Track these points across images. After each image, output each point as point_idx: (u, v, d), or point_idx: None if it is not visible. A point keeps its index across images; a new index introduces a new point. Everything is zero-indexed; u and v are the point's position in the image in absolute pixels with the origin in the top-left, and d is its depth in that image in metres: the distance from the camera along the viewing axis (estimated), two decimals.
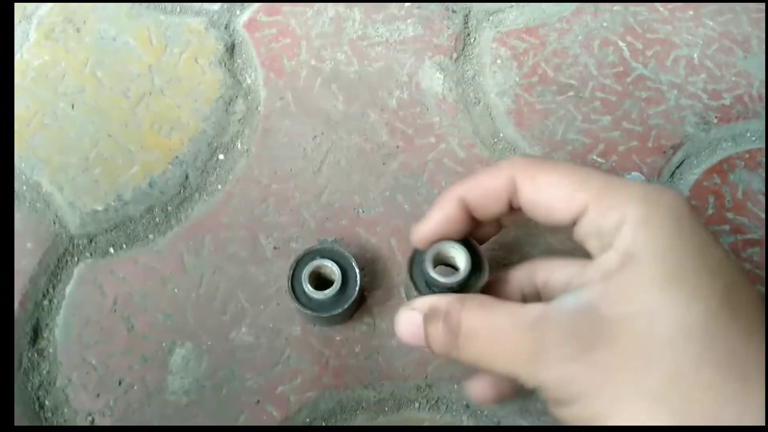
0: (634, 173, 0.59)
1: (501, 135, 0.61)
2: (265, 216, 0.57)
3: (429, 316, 0.39)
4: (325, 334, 0.53)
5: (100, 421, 0.50)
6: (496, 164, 0.41)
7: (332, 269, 0.50)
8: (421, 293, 0.43)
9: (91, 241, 0.56)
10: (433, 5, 0.67)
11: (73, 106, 0.60)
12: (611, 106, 0.62)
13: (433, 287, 0.43)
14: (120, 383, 0.51)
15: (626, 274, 0.33)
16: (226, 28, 0.66)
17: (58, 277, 0.54)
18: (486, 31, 0.66)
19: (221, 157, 0.59)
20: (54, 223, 0.56)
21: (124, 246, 0.56)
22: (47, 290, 0.54)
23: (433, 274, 0.41)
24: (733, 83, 0.63)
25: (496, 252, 0.55)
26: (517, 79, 0.63)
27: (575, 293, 0.35)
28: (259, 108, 0.62)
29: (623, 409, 0.31)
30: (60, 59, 0.63)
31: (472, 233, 0.44)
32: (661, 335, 0.31)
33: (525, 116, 0.62)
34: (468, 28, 0.67)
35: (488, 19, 0.67)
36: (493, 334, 0.36)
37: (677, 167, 0.60)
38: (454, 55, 0.65)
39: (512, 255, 0.55)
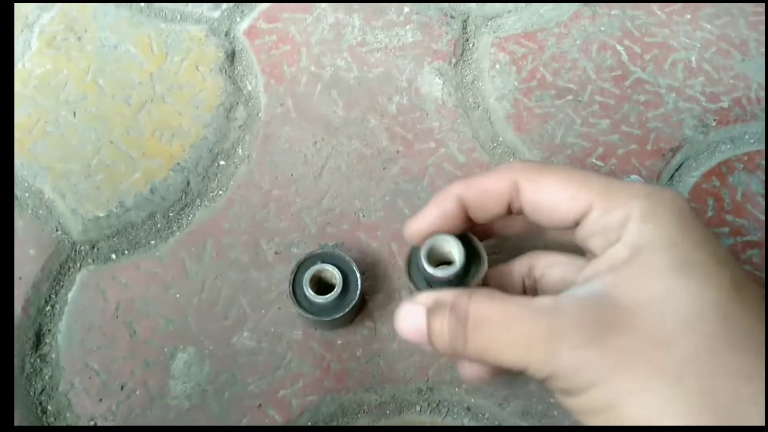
0: (633, 176, 0.59)
1: (500, 139, 0.62)
2: (266, 221, 0.57)
3: (433, 309, 0.37)
4: (326, 338, 0.53)
5: (102, 426, 0.50)
6: (497, 167, 0.41)
7: (333, 273, 0.50)
8: (420, 291, 0.43)
9: (93, 247, 0.56)
10: (431, 11, 0.67)
11: (75, 114, 0.61)
12: (610, 110, 0.62)
13: (431, 283, 0.43)
14: (122, 388, 0.51)
15: (636, 264, 0.33)
16: (226, 35, 0.66)
17: (61, 283, 0.55)
18: (484, 37, 0.67)
19: (222, 163, 0.60)
20: (56, 229, 0.56)
21: (126, 252, 0.56)
22: (50, 296, 0.54)
23: (428, 268, 0.40)
24: (731, 86, 0.64)
25: (499, 256, 0.55)
26: (516, 84, 0.64)
27: (585, 284, 0.35)
28: (259, 114, 0.62)
29: (639, 394, 0.31)
30: (62, 67, 0.63)
31: None
32: (676, 319, 0.31)
33: (524, 120, 0.62)
34: (467, 33, 0.67)
35: (487, 25, 0.68)
36: (505, 322, 0.35)
37: (676, 170, 0.60)
38: (453, 61, 0.65)
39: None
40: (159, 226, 0.57)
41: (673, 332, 0.31)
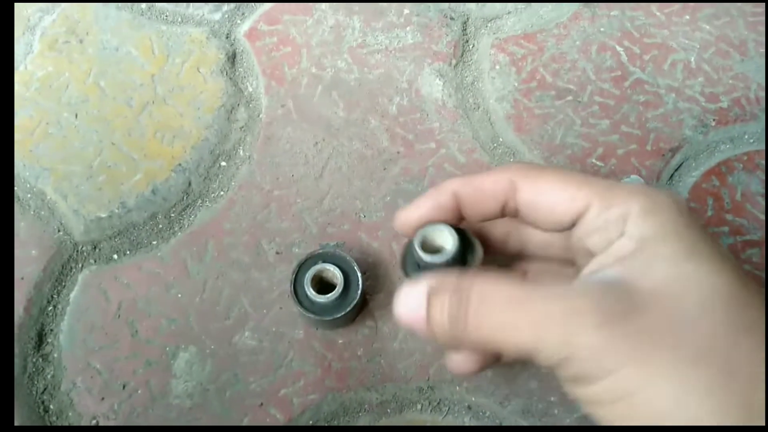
0: (633, 176, 0.59)
1: (500, 140, 0.62)
2: (267, 222, 0.57)
3: (435, 289, 0.35)
4: (327, 337, 0.53)
5: (104, 425, 0.50)
6: (495, 169, 0.40)
7: (334, 273, 0.50)
8: None
9: (95, 247, 0.56)
10: (431, 13, 0.67)
11: (76, 116, 0.61)
12: (610, 110, 0.63)
13: (425, 272, 0.41)
14: (124, 387, 0.51)
15: (645, 254, 0.33)
16: (227, 37, 0.66)
17: (63, 283, 0.55)
18: (484, 38, 0.67)
19: (223, 164, 0.60)
20: (58, 230, 0.56)
21: (128, 252, 0.56)
22: (52, 296, 0.54)
23: (422, 254, 0.39)
24: (730, 86, 0.64)
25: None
26: (516, 85, 0.64)
27: (594, 276, 0.34)
28: (260, 115, 0.62)
29: (661, 379, 0.30)
30: (63, 70, 0.64)
31: None
32: (692, 304, 0.31)
33: (524, 121, 0.62)
34: (466, 34, 0.67)
35: (486, 26, 0.68)
36: (514, 303, 0.33)
37: (676, 170, 0.60)
38: (453, 62, 0.65)
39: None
40: (160, 226, 0.57)
41: (690, 317, 0.31)
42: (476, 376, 0.52)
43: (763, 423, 0.29)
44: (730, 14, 0.68)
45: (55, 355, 0.52)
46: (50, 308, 0.54)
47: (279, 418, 0.51)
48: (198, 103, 0.62)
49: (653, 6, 0.68)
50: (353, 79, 0.64)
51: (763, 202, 0.58)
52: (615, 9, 0.68)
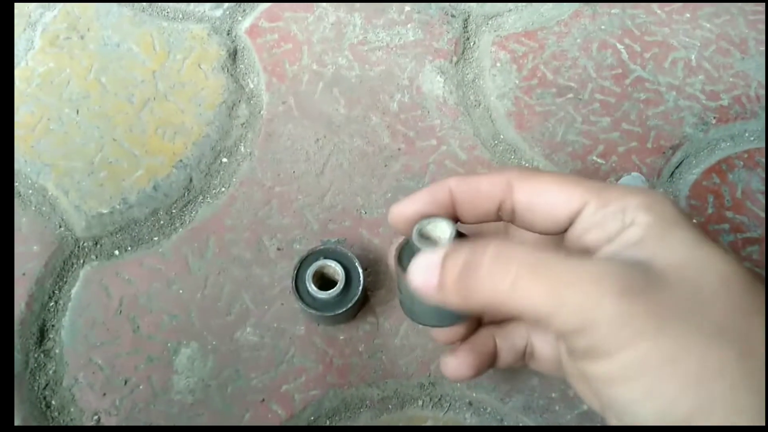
0: (633, 173, 0.59)
1: (501, 137, 0.62)
2: (268, 218, 0.57)
3: (452, 251, 0.35)
4: (329, 333, 0.53)
5: (106, 421, 0.50)
6: (492, 171, 0.40)
7: (336, 269, 0.51)
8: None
9: (96, 243, 0.56)
10: (432, 10, 0.67)
11: (78, 112, 0.61)
12: (610, 108, 0.63)
13: None
14: (126, 383, 0.51)
15: (656, 240, 0.32)
16: (228, 34, 0.66)
17: (64, 279, 0.55)
18: (485, 35, 0.67)
19: (225, 160, 0.60)
20: (60, 226, 0.56)
21: (130, 248, 0.56)
22: (53, 292, 0.54)
23: (419, 244, 0.38)
24: (730, 84, 0.64)
25: None
26: (517, 82, 0.64)
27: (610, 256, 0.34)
28: (261, 112, 0.62)
29: (683, 356, 0.29)
30: (64, 66, 0.64)
31: None
32: (710, 284, 0.31)
33: (525, 118, 0.62)
34: (467, 32, 0.67)
35: (487, 24, 0.68)
36: (534, 262, 0.31)
37: (676, 167, 0.60)
38: (454, 59, 0.65)
39: None
40: (162, 222, 0.57)
41: (708, 297, 0.30)
42: None
43: None
44: (731, 12, 0.68)
45: (57, 351, 0.53)
46: (52, 304, 0.54)
47: (280, 414, 0.51)
48: (199, 99, 0.62)
49: (654, 4, 0.68)
50: (354, 76, 0.64)
51: (764, 200, 0.58)
52: (616, 7, 0.68)
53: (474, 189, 0.39)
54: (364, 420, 0.51)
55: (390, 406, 0.52)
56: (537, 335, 0.42)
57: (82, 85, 0.62)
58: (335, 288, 0.50)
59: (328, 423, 0.51)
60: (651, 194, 0.35)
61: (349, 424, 0.51)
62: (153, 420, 0.50)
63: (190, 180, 0.59)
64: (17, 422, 0.49)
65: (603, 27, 0.67)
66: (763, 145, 0.61)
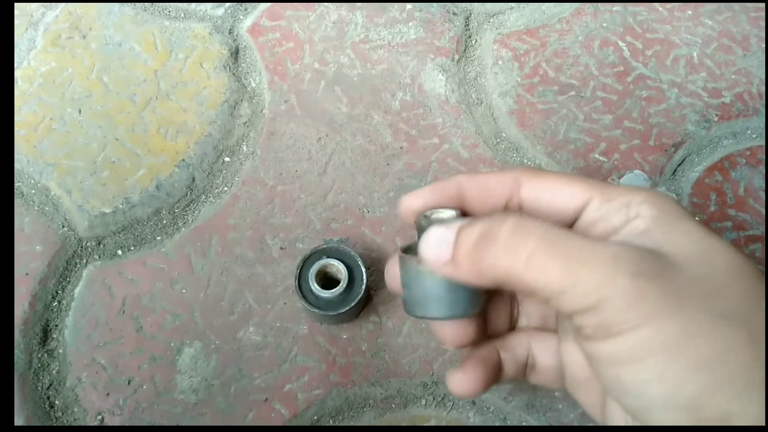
0: (636, 171, 0.59)
1: (503, 135, 0.62)
2: (271, 217, 0.57)
3: (466, 224, 0.35)
4: (331, 332, 0.53)
5: (109, 420, 0.50)
6: (500, 170, 0.40)
7: (339, 268, 0.51)
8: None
9: (99, 243, 0.56)
10: (434, 8, 0.67)
11: (80, 111, 0.61)
12: (612, 106, 0.63)
13: None
14: (129, 383, 0.51)
15: (664, 229, 0.33)
16: (230, 33, 0.66)
17: (67, 279, 0.55)
18: (487, 33, 0.67)
19: (227, 159, 0.60)
20: (63, 225, 0.57)
21: (132, 248, 0.56)
22: (56, 292, 0.54)
23: (428, 225, 0.37)
24: (732, 81, 0.64)
25: None
26: (519, 80, 0.64)
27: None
28: (263, 111, 0.62)
29: (696, 337, 0.29)
30: (67, 65, 0.64)
31: None
32: (720, 270, 0.31)
33: (527, 116, 0.62)
34: (469, 30, 0.67)
35: (489, 21, 0.68)
36: (551, 239, 0.31)
37: (679, 165, 0.60)
38: (456, 57, 0.65)
39: None
40: (164, 222, 0.57)
41: (720, 282, 0.31)
42: None
43: None
44: (732, 10, 0.68)
45: (60, 351, 0.53)
46: (55, 304, 0.54)
47: (284, 414, 0.51)
48: (201, 98, 0.62)
49: (655, 2, 0.68)
50: (356, 74, 0.64)
51: (765, 197, 0.58)
52: (617, 4, 0.68)
53: (483, 185, 0.39)
54: (367, 419, 0.51)
55: (393, 406, 0.52)
56: (538, 345, 0.42)
57: (85, 85, 0.62)
58: (338, 287, 0.50)
59: (331, 422, 0.51)
60: (653, 191, 0.36)
61: (352, 423, 0.51)
62: (156, 419, 0.50)
63: (193, 179, 0.59)
64: (21, 422, 0.50)
65: (605, 24, 0.67)
66: (764, 142, 0.61)
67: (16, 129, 0.60)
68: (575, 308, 0.31)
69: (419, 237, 0.37)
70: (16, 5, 0.66)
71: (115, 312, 0.54)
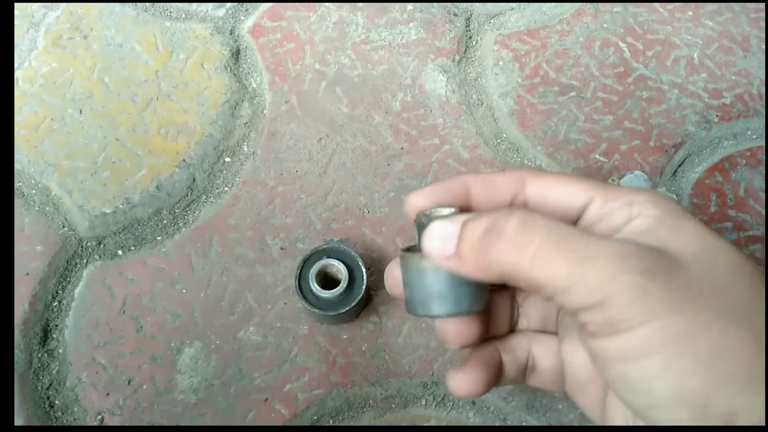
0: (636, 171, 0.59)
1: (504, 135, 0.62)
2: (271, 217, 0.57)
3: (471, 218, 0.34)
4: (332, 332, 0.53)
5: (109, 420, 0.50)
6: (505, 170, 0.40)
7: (339, 268, 0.51)
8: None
9: (99, 243, 0.56)
10: (434, 9, 0.67)
11: (81, 112, 0.61)
12: (613, 106, 0.63)
13: None
14: (129, 383, 0.51)
15: (666, 228, 0.33)
16: (231, 33, 0.66)
17: (68, 279, 0.55)
18: (488, 34, 0.67)
19: (228, 159, 0.60)
20: (63, 226, 0.57)
21: (133, 248, 0.56)
22: (57, 292, 0.54)
23: (428, 222, 0.37)
24: (733, 82, 0.64)
25: None
26: (519, 81, 0.64)
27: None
28: (264, 111, 0.62)
29: (704, 333, 0.29)
30: (68, 66, 0.64)
31: None
32: (723, 269, 0.31)
33: (527, 117, 0.62)
34: (470, 31, 0.67)
35: (489, 22, 0.68)
36: (557, 236, 0.31)
37: (679, 165, 0.60)
38: (457, 58, 0.65)
39: None
40: (165, 222, 0.57)
41: (723, 281, 0.31)
42: None
43: None
44: (733, 10, 0.68)
45: (60, 351, 0.53)
46: (55, 304, 0.54)
47: (284, 414, 0.51)
48: (202, 99, 0.62)
49: (656, 2, 0.68)
50: (357, 75, 0.64)
51: (765, 198, 0.58)
52: (618, 5, 0.68)
53: (488, 183, 0.39)
54: (367, 419, 0.51)
55: (393, 406, 0.52)
56: (539, 346, 0.42)
57: (86, 85, 0.63)
58: (338, 287, 0.50)
59: (331, 422, 0.51)
60: (655, 192, 0.36)
61: (352, 423, 0.51)
62: (156, 419, 0.50)
63: (193, 179, 0.59)
64: (21, 422, 0.50)
65: (605, 25, 0.67)
66: (765, 143, 0.61)
67: (16, 129, 0.60)
68: (580, 305, 0.31)
69: (419, 236, 0.37)
70: (17, 5, 0.66)
71: (115, 312, 0.54)
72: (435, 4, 0.68)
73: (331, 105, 0.62)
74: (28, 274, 0.54)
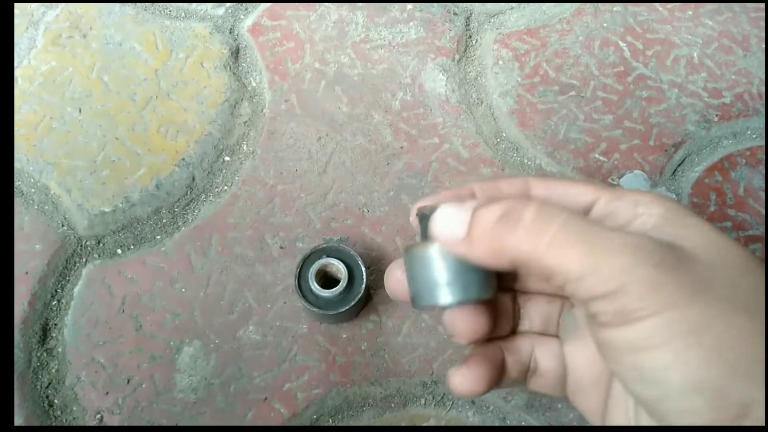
0: (636, 171, 0.59)
1: (504, 135, 0.62)
2: (271, 216, 0.57)
3: (484, 204, 0.34)
4: (331, 332, 0.53)
5: (108, 419, 0.50)
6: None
7: (339, 268, 0.51)
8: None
9: (99, 242, 0.56)
10: (434, 8, 0.67)
11: (80, 111, 0.61)
12: (613, 106, 0.63)
13: None
14: (128, 381, 0.51)
15: (673, 225, 0.33)
16: (230, 32, 0.66)
17: (67, 277, 0.55)
18: (487, 33, 0.67)
19: (227, 158, 0.60)
20: (62, 224, 0.57)
21: (132, 247, 0.56)
22: (56, 291, 0.54)
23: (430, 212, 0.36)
24: (733, 81, 0.64)
25: None
26: (519, 80, 0.64)
27: None
28: (264, 110, 0.62)
29: (718, 324, 0.29)
30: (67, 64, 0.64)
31: None
32: (732, 264, 0.31)
33: (527, 116, 0.62)
34: (470, 30, 0.67)
35: (489, 21, 0.68)
36: (573, 225, 0.31)
37: (679, 165, 0.60)
38: (457, 57, 0.65)
39: None
40: (164, 221, 0.57)
41: (733, 275, 0.31)
42: None
43: None
44: (733, 10, 0.68)
45: (60, 350, 0.53)
46: (54, 303, 0.54)
47: (283, 413, 0.51)
48: (201, 98, 0.62)
49: (656, 2, 0.68)
50: (356, 74, 0.64)
51: (765, 198, 0.58)
52: (618, 5, 0.68)
53: (495, 187, 0.39)
54: (366, 419, 0.51)
55: (392, 405, 0.52)
56: (541, 348, 0.41)
57: (85, 84, 0.62)
58: (338, 286, 0.50)
59: (330, 422, 0.51)
60: (659, 194, 0.36)
61: (351, 422, 0.51)
62: (155, 419, 0.50)
63: (193, 178, 0.59)
64: (20, 421, 0.50)
65: (605, 25, 0.67)
66: (764, 142, 0.61)
67: (16, 128, 0.60)
68: (594, 294, 0.31)
69: (422, 229, 0.37)
70: (17, 4, 0.66)
71: (114, 311, 0.54)
72: (435, 4, 0.68)
73: (330, 104, 0.62)
74: (27, 272, 0.54)
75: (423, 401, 0.52)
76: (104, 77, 0.63)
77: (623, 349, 0.31)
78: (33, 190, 0.58)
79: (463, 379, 0.39)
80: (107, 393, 0.51)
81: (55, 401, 0.51)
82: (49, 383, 0.51)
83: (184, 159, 0.59)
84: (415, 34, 0.66)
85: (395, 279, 0.39)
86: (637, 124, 0.62)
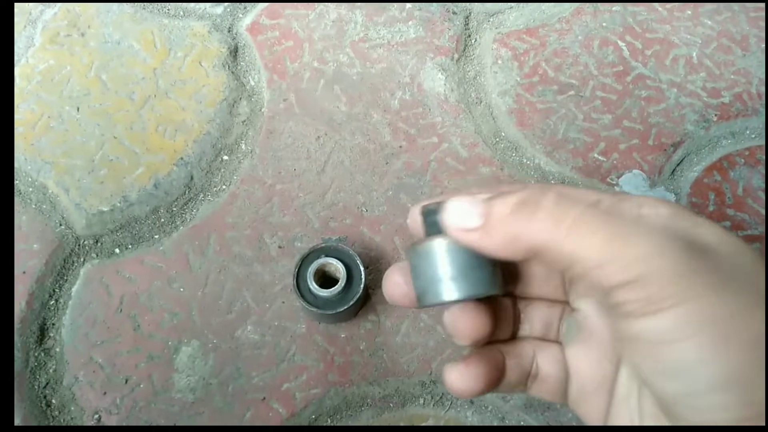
0: (635, 170, 0.59)
1: (503, 134, 0.62)
2: (269, 216, 0.57)
3: (498, 194, 0.33)
4: (330, 331, 0.53)
5: (106, 419, 0.50)
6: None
7: (337, 267, 0.50)
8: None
9: (97, 241, 0.56)
10: (433, 7, 0.67)
11: (78, 109, 0.61)
12: (612, 105, 0.63)
13: None
14: (126, 381, 0.51)
15: (683, 222, 0.32)
16: (229, 31, 0.66)
17: (65, 277, 0.55)
18: (487, 32, 0.67)
19: (225, 158, 0.60)
20: (60, 224, 0.56)
21: (130, 246, 0.56)
22: (54, 290, 0.54)
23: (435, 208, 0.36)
24: (732, 81, 0.64)
25: None
26: (518, 79, 0.64)
27: None
28: (262, 109, 0.62)
29: (741, 315, 0.28)
30: (65, 63, 0.63)
31: None
32: (745, 260, 0.30)
33: (526, 116, 0.62)
34: (469, 29, 0.67)
35: (489, 21, 0.68)
36: (595, 212, 0.31)
37: (678, 165, 0.60)
38: (456, 56, 0.65)
39: None
40: (162, 220, 0.57)
41: (747, 270, 0.30)
42: None
43: None
44: (732, 10, 0.68)
45: (57, 350, 0.52)
46: (52, 302, 0.54)
47: (281, 413, 0.51)
48: (200, 96, 0.62)
49: (655, 2, 0.68)
50: (355, 73, 0.64)
51: (764, 197, 0.58)
52: (617, 4, 0.68)
53: (496, 192, 0.39)
54: (365, 418, 0.51)
55: (391, 405, 0.52)
56: (543, 353, 0.41)
57: (83, 83, 0.62)
58: (336, 286, 0.50)
59: (329, 421, 0.51)
60: (658, 198, 0.35)
61: (350, 422, 0.51)
62: (153, 419, 0.50)
63: (191, 178, 0.59)
64: (18, 421, 0.49)
65: (604, 24, 0.67)
66: (764, 142, 0.61)
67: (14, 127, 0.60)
68: (616, 281, 0.30)
69: (427, 227, 0.36)
70: (15, 3, 0.66)
71: (112, 310, 0.54)
72: (434, 3, 0.68)
73: (329, 103, 0.62)
74: (24, 272, 0.54)
75: (422, 401, 0.52)
76: (102, 76, 0.63)
77: (648, 340, 0.30)
78: (31, 189, 0.58)
79: (460, 377, 0.38)
80: (105, 393, 0.51)
81: (53, 401, 0.51)
82: (47, 383, 0.51)
83: (182, 158, 0.59)
84: (414, 33, 0.66)
85: (393, 283, 0.38)
86: (636, 123, 0.62)
